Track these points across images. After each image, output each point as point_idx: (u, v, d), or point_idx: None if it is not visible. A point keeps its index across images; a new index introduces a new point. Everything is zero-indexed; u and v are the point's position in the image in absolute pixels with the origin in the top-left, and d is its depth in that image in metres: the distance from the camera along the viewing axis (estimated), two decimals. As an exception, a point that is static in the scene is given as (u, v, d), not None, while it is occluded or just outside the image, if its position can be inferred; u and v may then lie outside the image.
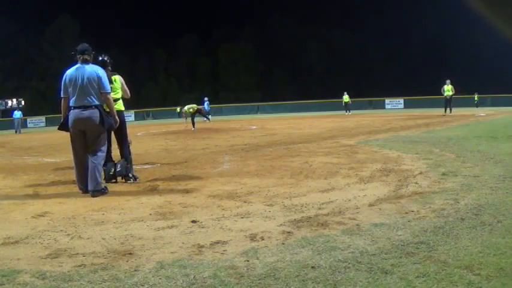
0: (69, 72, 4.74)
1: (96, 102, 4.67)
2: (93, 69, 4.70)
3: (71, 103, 4.70)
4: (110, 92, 4.87)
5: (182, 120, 20.44)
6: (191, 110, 18.68)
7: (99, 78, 4.68)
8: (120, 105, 5.65)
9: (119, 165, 5.37)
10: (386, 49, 52.05)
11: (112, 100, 4.94)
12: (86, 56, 4.73)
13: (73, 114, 4.67)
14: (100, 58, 5.49)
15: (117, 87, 5.67)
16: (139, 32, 57.02)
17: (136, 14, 58.79)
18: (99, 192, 4.55)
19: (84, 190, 4.66)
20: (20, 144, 14.80)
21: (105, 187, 4.71)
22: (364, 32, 53.67)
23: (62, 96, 4.79)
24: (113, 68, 5.81)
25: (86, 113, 4.63)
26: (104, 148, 4.87)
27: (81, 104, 4.64)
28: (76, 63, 4.77)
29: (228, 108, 41.65)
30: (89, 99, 4.63)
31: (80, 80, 4.63)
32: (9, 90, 46.97)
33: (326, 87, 50.38)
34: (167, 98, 53.40)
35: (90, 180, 4.58)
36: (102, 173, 5.01)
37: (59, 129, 4.90)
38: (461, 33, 45.63)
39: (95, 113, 4.64)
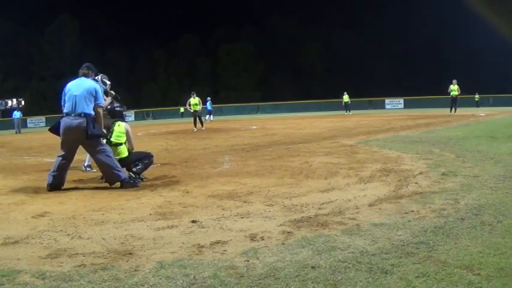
0: (70, 84, 5.13)
1: (87, 112, 4.94)
2: (92, 83, 5.15)
3: (65, 110, 4.98)
4: (102, 106, 5.27)
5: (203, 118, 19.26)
6: (197, 107, 17.49)
7: (97, 91, 5.10)
8: None
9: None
10: (386, 49, 51.96)
11: (102, 114, 5.24)
12: (84, 71, 5.19)
13: (64, 121, 4.94)
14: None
15: None
16: (139, 32, 57.08)
17: (137, 14, 58.87)
18: (127, 184, 4.90)
19: (51, 188, 4.88)
20: (20, 144, 14.80)
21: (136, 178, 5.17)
22: (364, 32, 53.60)
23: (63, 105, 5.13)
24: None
25: (76, 122, 4.89)
26: (106, 148, 5.09)
27: (73, 112, 4.91)
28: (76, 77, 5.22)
29: (228, 108, 41.63)
30: (81, 108, 4.91)
31: (76, 90, 4.97)
32: (9, 90, 46.96)
33: (326, 87, 50.28)
34: (167, 98, 53.38)
35: (112, 176, 4.94)
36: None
37: (49, 130, 5.19)
38: (461, 33, 45.59)
39: (83, 123, 4.88)
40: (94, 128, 4.94)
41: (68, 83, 5.18)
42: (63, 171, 5.00)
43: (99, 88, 5.23)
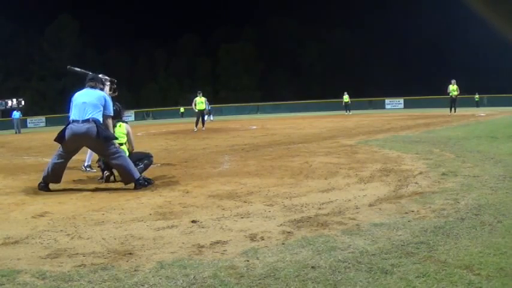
0: (77, 93, 5.11)
1: (95, 118, 4.88)
2: (100, 93, 5.15)
3: (72, 117, 4.91)
4: (111, 116, 5.19)
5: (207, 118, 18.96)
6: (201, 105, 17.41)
7: (106, 100, 5.09)
8: None
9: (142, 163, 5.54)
10: (386, 49, 51.98)
11: (111, 125, 5.22)
12: (91, 83, 5.16)
13: (71, 128, 4.86)
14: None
15: None
16: (139, 32, 57.11)
17: (136, 14, 58.87)
18: (140, 185, 4.83)
19: (44, 187, 4.86)
20: (20, 144, 14.79)
21: (145, 179, 4.99)
22: (364, 32, 53.62)
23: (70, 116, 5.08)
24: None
25: (85, 127, 4.82)
26: (119, 150, 5.05)
27: (81, 118, 4.85)
28: (83, 88, 5.18)
29: (228, 108, 41.65)
30: (89, 114, 4.86)
31: (84, 98, 4.96)
32: (9, 90, 46.95)
33: (326, 87, 50.34)
34: (167, 98, 53.42)
35: (127, 176, 4.88)
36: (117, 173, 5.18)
37: (55, 140, 5.01)
38: (461, 33, 45.58)
39: (93, 128, 4.81)
40: (104, 131, 4.90)
41: (74, 93, 5.14)
42: (58, 169, 4.90)
43: (108, 98, 5.19)
